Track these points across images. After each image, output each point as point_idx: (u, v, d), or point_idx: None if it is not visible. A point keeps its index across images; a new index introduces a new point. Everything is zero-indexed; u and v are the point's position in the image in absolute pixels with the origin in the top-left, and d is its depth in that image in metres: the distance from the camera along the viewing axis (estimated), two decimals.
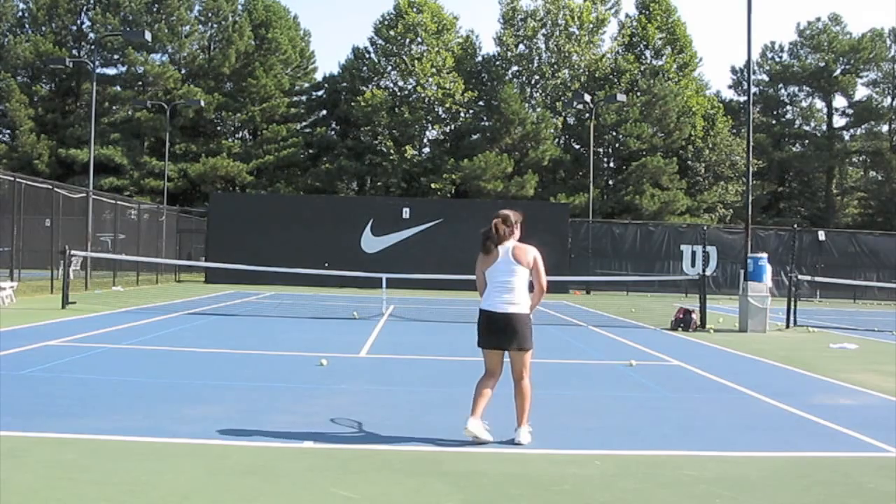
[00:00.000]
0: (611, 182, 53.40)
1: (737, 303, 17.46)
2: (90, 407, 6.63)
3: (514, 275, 5.57)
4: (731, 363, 10.98)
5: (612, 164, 54.56)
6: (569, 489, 4.67)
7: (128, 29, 43.73)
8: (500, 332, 5.56)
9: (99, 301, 18.69)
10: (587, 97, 38.34)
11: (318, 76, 57.08)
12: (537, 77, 52.88)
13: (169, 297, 21.36)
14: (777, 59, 58.39)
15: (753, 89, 36.89)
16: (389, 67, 51.95)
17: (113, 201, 28.79)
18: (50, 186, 22.62)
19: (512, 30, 51.95)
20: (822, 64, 56.20)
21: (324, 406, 6.92)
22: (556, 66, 52.45)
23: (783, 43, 59.38)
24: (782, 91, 58.74)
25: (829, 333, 16.30)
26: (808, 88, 58.00)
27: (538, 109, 51.57)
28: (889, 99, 57.17)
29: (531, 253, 5.64)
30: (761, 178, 54.71)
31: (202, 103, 44.42)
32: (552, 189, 50.24)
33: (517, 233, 5.73)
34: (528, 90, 53.01)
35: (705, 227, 24.48)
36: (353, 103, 50.38)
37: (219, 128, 54.75)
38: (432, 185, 48.20)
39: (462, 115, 51.73)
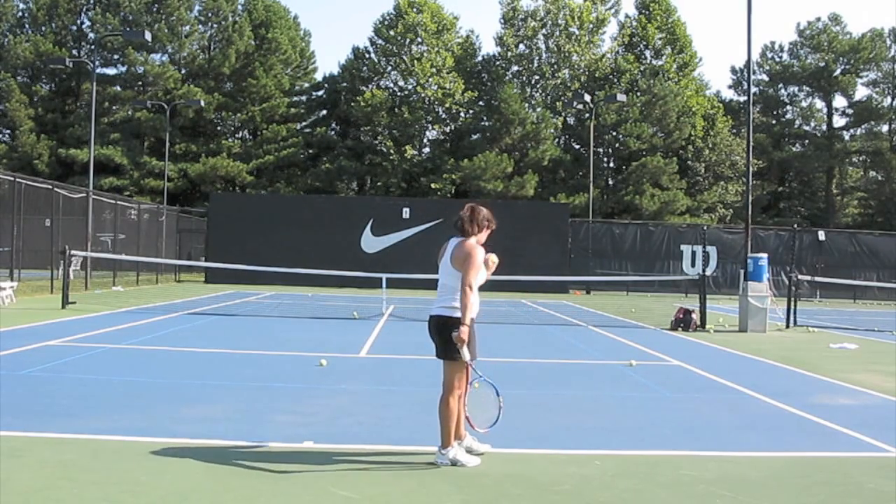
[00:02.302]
0: (611, 182, 53.41)
1: (737, 303, 17.47)
2: (90, 407, 6.64)
3: (447, 275, 5.16)
4: (731, 363, 10.98)
5: (612, 164, 54.57)
6: (569, 489, 4.67)
7: (128, 29, 43.73)
8: (430, 338, 5.24)
9: (99, 301, 18.69)
10: (587, 97, 38.36)
11: (318, 76, 57.18)
12: (537, 77, 52.89)
13: (169, 297, 21.35)
14: (777, 59, 58.40)
15: (753, 89, 36.91)
16: (389, 67, 51.96)
17: (113, 201, 28.79)
18: (50, 186, 22.62)
19: (512, 30, 51.96)
20: (822, 64, 56.20)
21: (324, 406, 6.92)
22: (556, 66, 52.46)
23: (783, 43, 59.53)
24: (782, 91, 58.75)
25: (829, 333, 16.30)
26: (808, 88, 58.01)
27: (538, 109, 51.58)
28: (889, 99, 57.18)
29: (468, 249, 5.09)
30: (761, 178, 54.71)
31: (202, 103, 44.43)
32: (552, 189, 50.24)
33: (480, 234, 5.23)
34: (528, 90, 53.01)
35: (705, 227, 24.48)
36: (353, 103, 50.39)
37: (219, 128, 54.75)
38: (432, 185, 48.20)
39: (462, 115, 51.73)
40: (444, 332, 5.08)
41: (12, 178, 20.15)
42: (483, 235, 5.29)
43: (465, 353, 5.00)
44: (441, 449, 5.09)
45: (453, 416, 5.10)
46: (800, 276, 19.99)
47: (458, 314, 5.03)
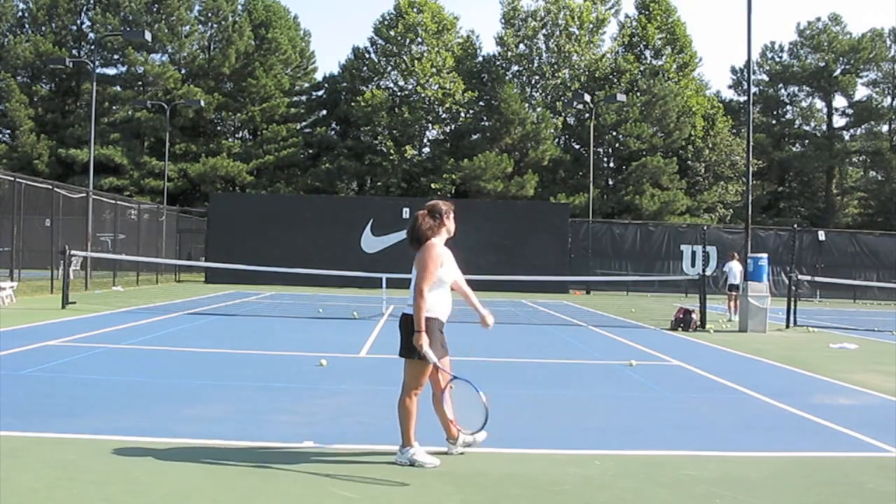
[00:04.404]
0: (611, 182, 53.40)
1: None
2: (90, 407, 6.64)
3: (414, 275, 5.13)
4: (731, 363, 10.98)
5: (612, 164, 54.57)
6: (569, 489, 4.67)
7: (128, 29, 43.72)
8: None
9: (99, 301, 18.69)
10: (587, 97, 38.37)
11: (318, 76, 57.15)
12: (537, 77, 52.88)
13: (169, 297, 21.35)
14: (777, 59, 58.38)
15: (753, 89, 36.90)
16: (389, 67, 51.94)
17: (113, 201, 28.79)
18: (50, 186, 22.62)
19: (512, 30, 51.96)
20: (822, 64, 56.18)
21: (324, 406, 6.92)
22: (556, 66, 52.46)
23: (783, 43, 59.47)
24: (782, 91, 58.72)
25: (829, 333, 16.30)
26: (808, 88, 57.99)
27: (538, 109, 51.57)
28: (889, 99, 57.16)
29: (422, 251, 5.10)
30: (761, 178, 54.69)
31: (202, 103, 44.41)
32: (552, 189, 50.23)
33: (448, 225, 5.19)
34: (528, 90, 53.01)
35: (705, 227, 24.47)
36: (353, 103, 50.38)
37: (219, 128, 54.75)
38: (432, 185, 48.20)
39: (462, 115, 51.72)
40: (406, 330, 5.09)
41: (12, 178, 20.15)
42: (444, 232, 5.17)
43: (430, 355, 4.97)
44: (401, 448, 5.10)
45: (410, 416, 5.09)
46: (800, 276, 19.99)
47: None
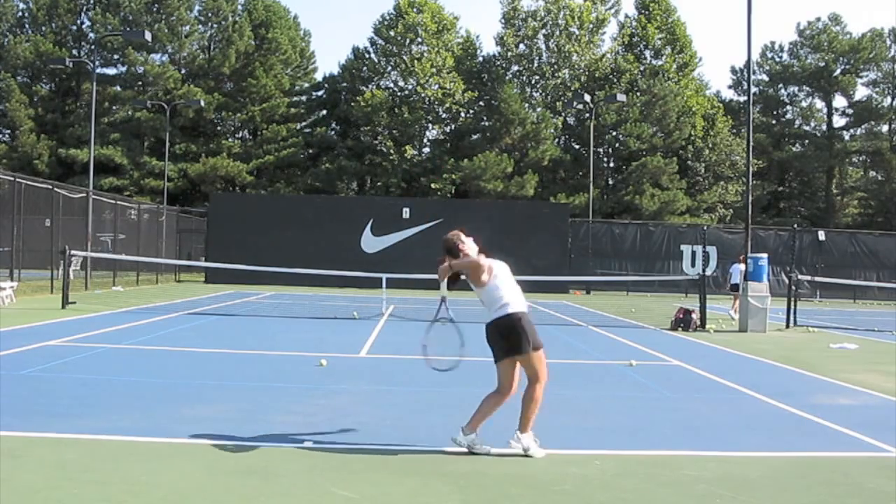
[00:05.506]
0: (611, 182, 53.41)
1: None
2: (90, 407, 6.63)
3: (483, 292, 5.65)
4: (731, 363, 10.98)
5: (612, 164, 54.57)
6: (569, 489, 4.67)
7: (128, 29, 43.74)
8: (490, 346, 5.58)
9: (99, 301, 18.68)
10: (587, 97, 38.38)
11: (318, 76, 57.15)
12: (537, 77, 52.89)
13: (169, 297, 21.35)
14: (777, 59, 58.38)
15: (753, 89, 36.88)
16: (389, 67, 51.94)
17: (113, 201, 28.79)
18: (50, 186, 22.61)
19: (513, 30, 51.97)
20: (822, 64, 56.19)
21: (324, 406, 6.92)
22: (556, 66, 52.46)
23: (783, 43, 59.47)
24: (782, 91, 58.73)
25: (829, 333, 16.29)
26: (808, 88, 57.99)
27: (538, 109, 51.57)
28: (889, 99, 57.16)
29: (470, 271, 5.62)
30: (761, 178, 54.68)
31: (202, 103, 44.38)
32: (552, 189, 50.23)
33: (465, 249, 5.63)
34: (528, 90, 53.01)
35: (705, 227, 24.46)
36: (353, 103, 50.38)
37: (219, 128, 54.72)
38: (432, 185, 48.20)
39: (462, 115, 51.72)
40: (509, 331, 5.31)
41: (12, 178, 20.15)
42: (463, 258, 5.54)
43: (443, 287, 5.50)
44: (519, 431, 5.30)
45: (537, 405, 5.34)
46: (800, 276, 19.99)
47: (510, 310, 5.37)
